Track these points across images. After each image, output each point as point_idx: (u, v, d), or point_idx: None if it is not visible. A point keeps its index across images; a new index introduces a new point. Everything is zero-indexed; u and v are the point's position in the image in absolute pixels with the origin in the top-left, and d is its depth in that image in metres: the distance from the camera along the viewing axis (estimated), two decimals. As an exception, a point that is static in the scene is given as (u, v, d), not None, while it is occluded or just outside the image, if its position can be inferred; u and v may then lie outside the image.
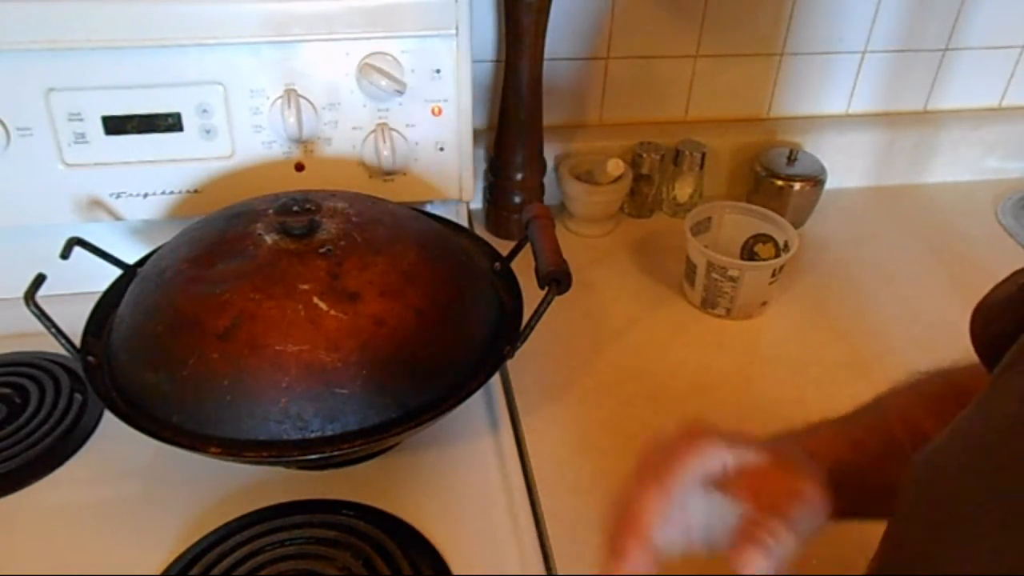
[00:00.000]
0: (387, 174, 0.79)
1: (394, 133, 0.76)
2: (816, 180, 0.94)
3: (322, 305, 0.58)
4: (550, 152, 0.94)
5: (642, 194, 0.98)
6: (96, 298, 0.68)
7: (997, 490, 0.32)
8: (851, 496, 0.46)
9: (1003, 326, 0.44)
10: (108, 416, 0.69)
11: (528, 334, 0.64)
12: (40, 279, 0.62)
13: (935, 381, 0.55)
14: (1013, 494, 0.31)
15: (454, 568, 0.58)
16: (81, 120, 0.71)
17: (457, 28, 0.73)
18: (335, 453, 0.57)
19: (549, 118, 0.91)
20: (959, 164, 1.08)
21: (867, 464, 0.48)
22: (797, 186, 0.94)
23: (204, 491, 0.63)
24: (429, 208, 0.81)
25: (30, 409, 0.69)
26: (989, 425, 0.35)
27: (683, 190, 0.97)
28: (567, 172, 0.93)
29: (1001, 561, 0.30)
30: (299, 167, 0.77)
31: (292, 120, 0.73)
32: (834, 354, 0.80)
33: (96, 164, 0.73)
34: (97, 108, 0.71)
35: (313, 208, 0.63)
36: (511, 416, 0.71)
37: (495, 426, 0.70)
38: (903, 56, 1.02)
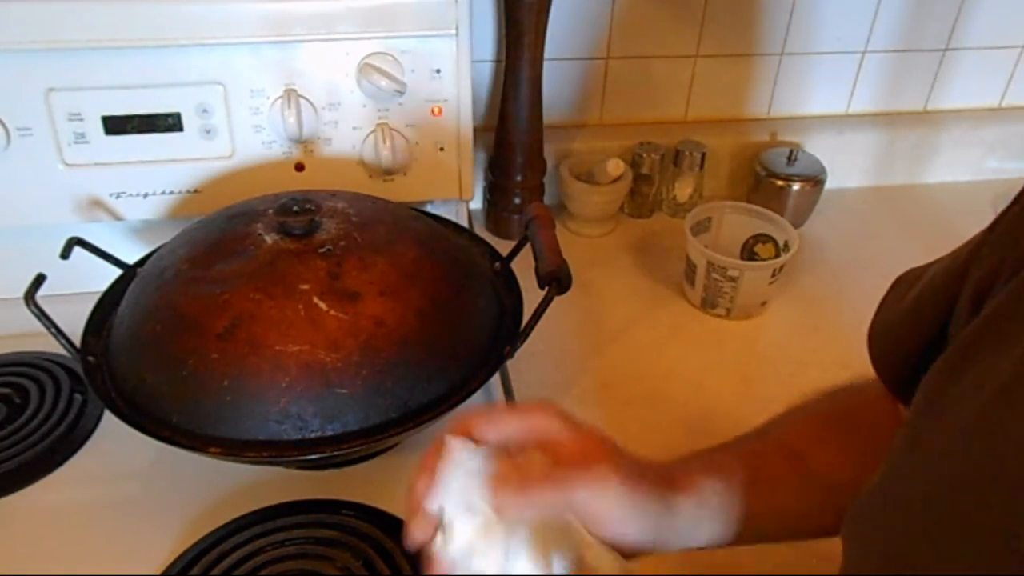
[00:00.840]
0: (387, 174, 0.79)
1: (394, 133, 0.76)
2: (816, 180, 0.94)
3: (322, 305, 0.58)
4: (550, 152, 0.94)
5: (642, 194, 0.98)
6: (96, 298, 0.68)
7: (942, 533, 0.30)
8: (722, 519, 0.46)
9: (902, 345, 0.43)
10: (108, 416, 0.69)
11: (528, 334, 0.64)
12: (40, 279, 0.62)
13: (826, 402, 0.54)
14: (957, 536, 0.30)
15: (454, 568, 0.58)
16: (81, 120, 0.71)
17: (457, 28, 0.73)
18: (335, 453, 0.57)
19: (549, 118, 0.91)
20: (959, 164, 1.08)
21: (736, 488, 0.47)
22: (797, 186, 0.94)
23: (204, 491, 0.63)
24: (429, 208, 0.81)
25: (30, 409, 0.69)
26: (925, 464, 0.33)
27: (683, 190, 0.97)
28: (567, 172, 0.93)
29: None
30: (299, 167, 0.77)
31: (292, 120, 0.73)
32: (834, 354, 0.80)
33: (96, 164, 0.73)
34: (97, 108, 0.71)
35: (313, 208, 0.63)
36: (511, 416, 0.71)
37: (495, 426, 0.70)
38: (903, 56, 1.02)
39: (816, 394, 0.55)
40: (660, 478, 0.45)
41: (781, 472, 0.49)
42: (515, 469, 0.43)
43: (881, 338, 0.47)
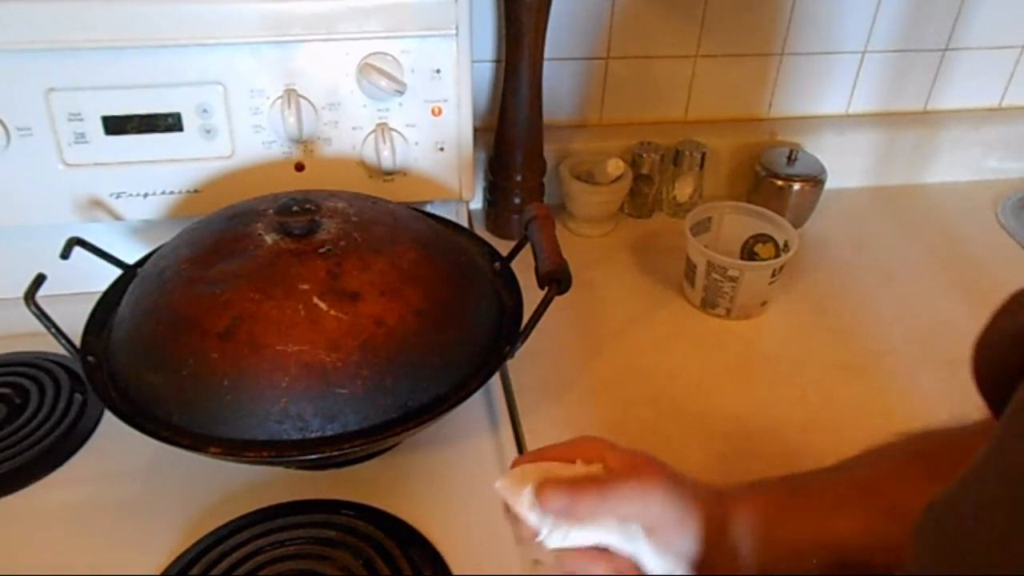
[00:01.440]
0: (387, 174, 0.79)
1: (394, 133, 0.76)
2: (816, 180, 0.94)
3: (322, 305, 0.58)
4: (550, 152, 0.94)
5: (642, 194, 0.98)
6: (96, 298, 0.68)
7: (1010, 548, 0.30)
8: (770, 538, 0.46)
9: (1006, 365, 0.42)
10: (108, 416, 0.69)
11: (528, 334, 0.64)
12: (40, 279, 0.62)
13: (908, 443, 0.53)
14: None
15: (454, 568, 0.58)
16: (81, 120, 0.71)
17: (457, 28, 0.73)
18: (335, 453, 0.57)
19: (549, 118, 0.91)
20: (959, 164, 1.08)
21: (784, 515, 0.48)
22: (797, 186, 0.94)
23: (204, 491, 0.63)
24: (429, 208, 0.81)
25: (30, 409, 0.69)
26: (1002, 474, 0.32)
27: (683, 190, 0.97)
28: (567, 172, 0.93)
29: None
30: (299, 167, 0.77)
31: (292, 120, 0.73)
32: (834, 354, 0.80)
33: (96, 164, 0.73)
34: (97, 108, 0.71)
35: (313, 208, 0.63)
36: (511, 416, 0.71)
37: (495, 426, 0.70)
38: (903, 56, 1.02)
39: (895, 436, 0.54)
40: (710, 494, 0.47)
41: (850, 498, 0.48)
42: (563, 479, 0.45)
43: (985, 351, 0.45)
